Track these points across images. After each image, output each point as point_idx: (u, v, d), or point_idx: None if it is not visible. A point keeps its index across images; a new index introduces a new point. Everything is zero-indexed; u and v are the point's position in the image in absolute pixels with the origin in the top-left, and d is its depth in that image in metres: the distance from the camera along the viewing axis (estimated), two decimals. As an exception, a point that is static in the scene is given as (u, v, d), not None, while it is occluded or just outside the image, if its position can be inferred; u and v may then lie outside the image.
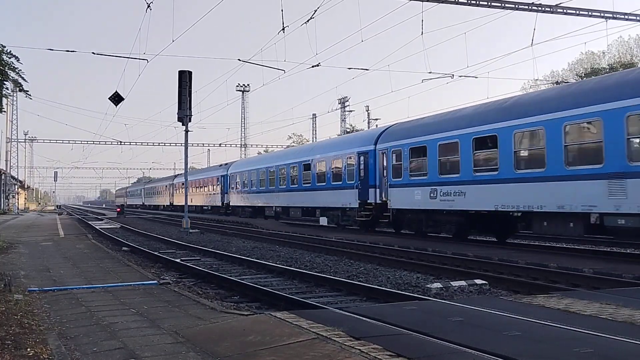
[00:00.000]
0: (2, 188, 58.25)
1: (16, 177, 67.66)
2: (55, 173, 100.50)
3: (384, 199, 22.04)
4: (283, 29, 22.01)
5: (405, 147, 20.68)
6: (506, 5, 23.24)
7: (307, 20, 21.88)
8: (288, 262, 14.91)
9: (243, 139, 78.42)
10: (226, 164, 50.70)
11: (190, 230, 27.42)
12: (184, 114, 27.26)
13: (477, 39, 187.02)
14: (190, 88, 27.37)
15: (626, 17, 25.18)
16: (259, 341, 5.43)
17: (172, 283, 10.40)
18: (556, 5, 23.65)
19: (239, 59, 31.09)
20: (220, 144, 79.49)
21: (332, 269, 13.38)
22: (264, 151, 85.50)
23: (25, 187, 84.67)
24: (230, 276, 11.95)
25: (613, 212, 13.03)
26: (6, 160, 62.53)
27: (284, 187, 31.77)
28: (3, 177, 58.67)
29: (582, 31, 72.51)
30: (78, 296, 8.68)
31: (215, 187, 48.69)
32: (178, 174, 65.39)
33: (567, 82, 36.38)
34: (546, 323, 5.81)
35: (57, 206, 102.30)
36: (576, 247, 17.55)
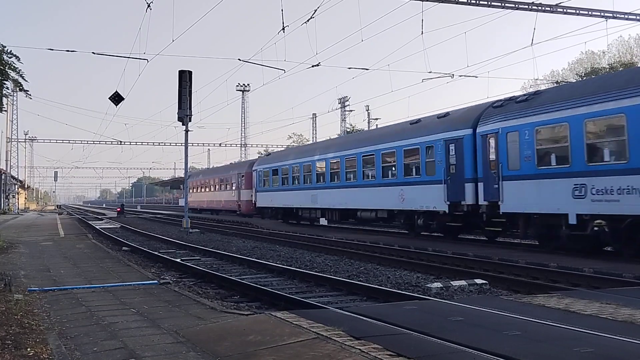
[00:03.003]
0: (2, 188, 58.25)
1: (16, 177, 67.68)
2: (56, 173, 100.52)
3: (490, 198, 16.46)
4: (283, 29, 22.03)
5: (529, 128, 15.11)
6: (506, 5, 23.23)
7: (307, 20, 21.89)
8: (288, 261, 14.92)
9: (243, 139, 78.43)
10: (257, 157, 44.63)
11: (190, 230, 27.43)
12: (184, 114, 27.25)
13: (477, 39, 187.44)
14: (190, 88, 27.37)
15: (626, 16, 25.18)
16: (259, 341, 5.43)
17: (173, 283, 10.41)
18: (556, 5, 23.64)
19: (239, 59, 31.12)
20: (220, 144, 79.62)
21: (332, 269, 13.38)
22: (265, 151, 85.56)
23: (26, 187, 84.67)
24: (231, 276, 11.95)
25: None
26: (6, 160, 62.66)
27: (337, 183, 25.31)
28: (3, 177, 58.67)
29: (582, 31, 72.62)
30: (78, 296, 8.68)
31: (235, 185, 42.16)
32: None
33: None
34: (546, 323, 5.81)
35: (57, 206, 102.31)
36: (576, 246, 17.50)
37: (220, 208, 46.72)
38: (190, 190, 54.56)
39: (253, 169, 36.18)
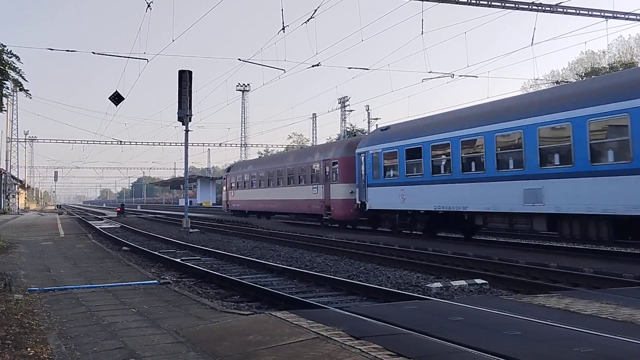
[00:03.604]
0: (2, 188, 58.26)
1: (16, 176, 67.72)
2: (56, 173, 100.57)
3: None
4: (283, 29, 22.05)
5: None
6: (506, 5, 23.25)
7: (307, 20, 21.91)
8: (288, 261, 14.92)
9: (243, 139, 78.64)
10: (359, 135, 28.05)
11: (191, 230, 27.44)
12: (184, 114, 27.29)
13: (477, 39, 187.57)
14: (190, 88, 27.40)
15: (626, 16, 25.21)
16: (259, 341, 5.43)
17: (173, 283, 10.41)
18: (556, 5, 23.66)
19: (239, 59, 31.19)
20: (220, 144, 79.83)
21: (332, 269, 13.38)
22: (265, 151, 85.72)
23: (26, 186, 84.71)
24: (231, 276, 11.96)
25: None
26: (6, 160, 62.71)
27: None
28: (3, 176, 58.68)
29: (582, 30, 72.67)
30: (78, 296, 8.68)
31: (319, 178, 28.00)
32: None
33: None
34: (546, 323, 5.81)
35: (57, 206, 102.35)
36: (576, 246, 17.54)
37: (288, 211, 32.80)
38: (231, 187, 42.49)
39: (358, 151, 23.98)
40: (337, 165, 26.47)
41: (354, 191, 24.31)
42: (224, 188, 45.04)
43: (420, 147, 19.57)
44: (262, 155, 77.70)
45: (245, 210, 39.66)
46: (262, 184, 36.15)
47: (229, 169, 46.10)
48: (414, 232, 20.87)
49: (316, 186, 28.35)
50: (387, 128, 23.40)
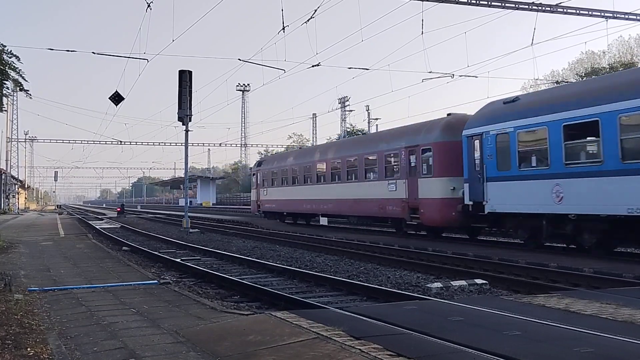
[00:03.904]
0: (2, 188, 58.25)
1: (16, 176, 67.74)
2: (56, 173, 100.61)
3: None
4: (283, 29, 22.05)
5: None
6: (506, 5, 23.25)
7: (307, 20, 21.91)
8: (288, 261, 14.92)
9: (243, 139, 78.77)
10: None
11: (191, 230, 27.44)
12: (184, 114, 27.31)
13: (477, 39, 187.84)
14: (191, 88, 27.42)
15: (626, 16, 25.22)
16: (259, 341, 5.43)
17: (173, 283, 10.41)
18: (556, 5, 23.67)
19: (239, 59, 31.21)
20: (220, 144, 79.88)
21: (333, 269, 13.38)
22: (265, 151, 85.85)
23: (26, 186, 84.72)
24: (231, 276, 11.96)
25: None
26: (6, 160, 62.76)
27: None
28: (3, 176, 58.67)
29: (582, 31, 72.74)
30: (78, 296, 8.68)
31: (398, 171, 21.38)
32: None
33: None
34: (546, 323, 5.81)
35: (57, 206, 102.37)
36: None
37: (348, 213, 25.68)
38: (263, 184, 34.61)
39: (468, 132, 17.59)
40: (429, 153, 19.74)
41: (457, 187, 18.29)
42: (254, 185, 36.70)
43: (597, 121, 13.13)
44: (263, 155, 77.69)
45: (283, 212, 32.43)
46: (309, 180, 28.91)
47: (259, 163, 37.72)
48: (571, 246, 15.07)
49: (394, 181, 21.59)
50: (516, 99, 16.72)
